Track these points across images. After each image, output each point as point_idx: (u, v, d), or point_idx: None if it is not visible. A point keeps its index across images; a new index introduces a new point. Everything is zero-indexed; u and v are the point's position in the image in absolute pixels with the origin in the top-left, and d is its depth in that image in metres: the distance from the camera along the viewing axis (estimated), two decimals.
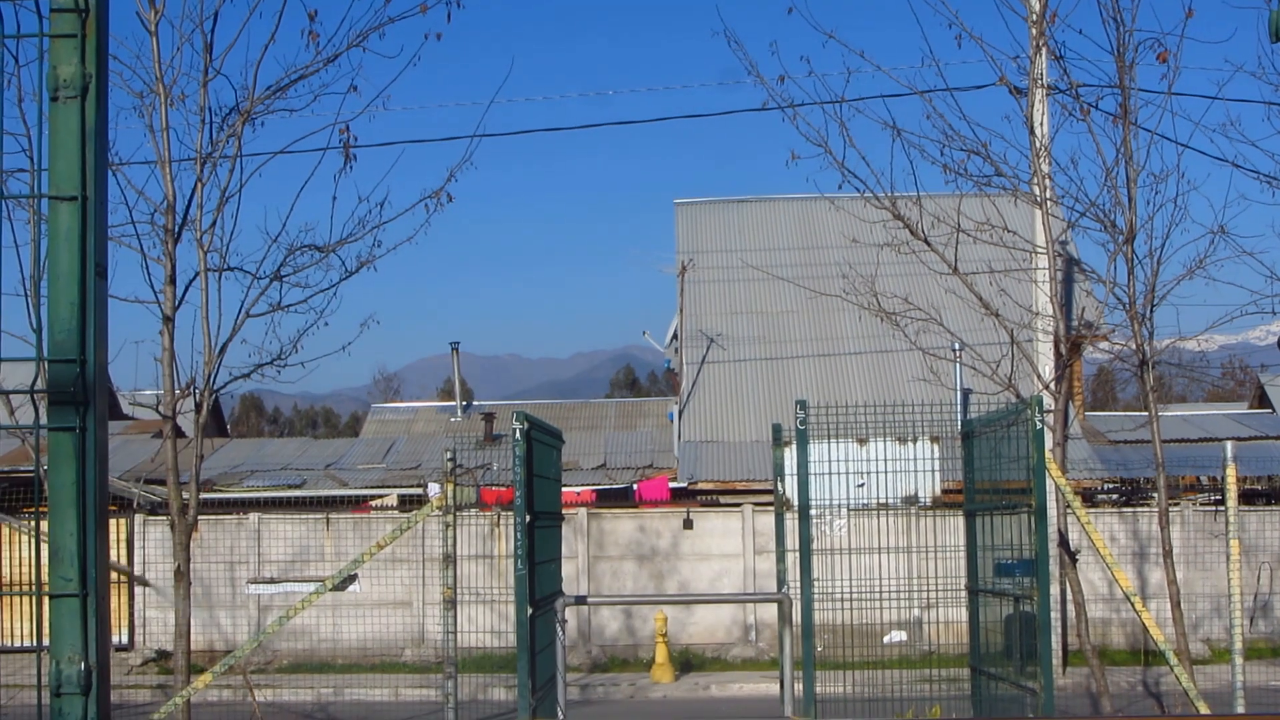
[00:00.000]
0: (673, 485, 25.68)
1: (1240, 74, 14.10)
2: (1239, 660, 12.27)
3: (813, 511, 12.53)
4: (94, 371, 2.96)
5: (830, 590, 13.26)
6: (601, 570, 23.44)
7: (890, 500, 13.10)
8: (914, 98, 14.54)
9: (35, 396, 3.02)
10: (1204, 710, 11.24)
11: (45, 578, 3.05)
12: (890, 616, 20.07)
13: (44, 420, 2.99)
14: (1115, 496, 24.40)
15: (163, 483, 18.05)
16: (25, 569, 21.46)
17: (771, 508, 16.01)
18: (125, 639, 22.97)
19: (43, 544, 3.06)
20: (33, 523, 21.01)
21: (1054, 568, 15.16)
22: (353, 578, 13.02)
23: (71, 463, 2.94)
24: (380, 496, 25.75)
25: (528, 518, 10.33)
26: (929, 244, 14.43)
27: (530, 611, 10.18)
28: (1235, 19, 14.67)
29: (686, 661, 22.21)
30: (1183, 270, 14.15)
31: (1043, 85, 15.20)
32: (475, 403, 36.45)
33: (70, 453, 2.94)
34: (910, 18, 14.49)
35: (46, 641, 3.04)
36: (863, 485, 12.96)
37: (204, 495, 21.02)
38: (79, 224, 2.98)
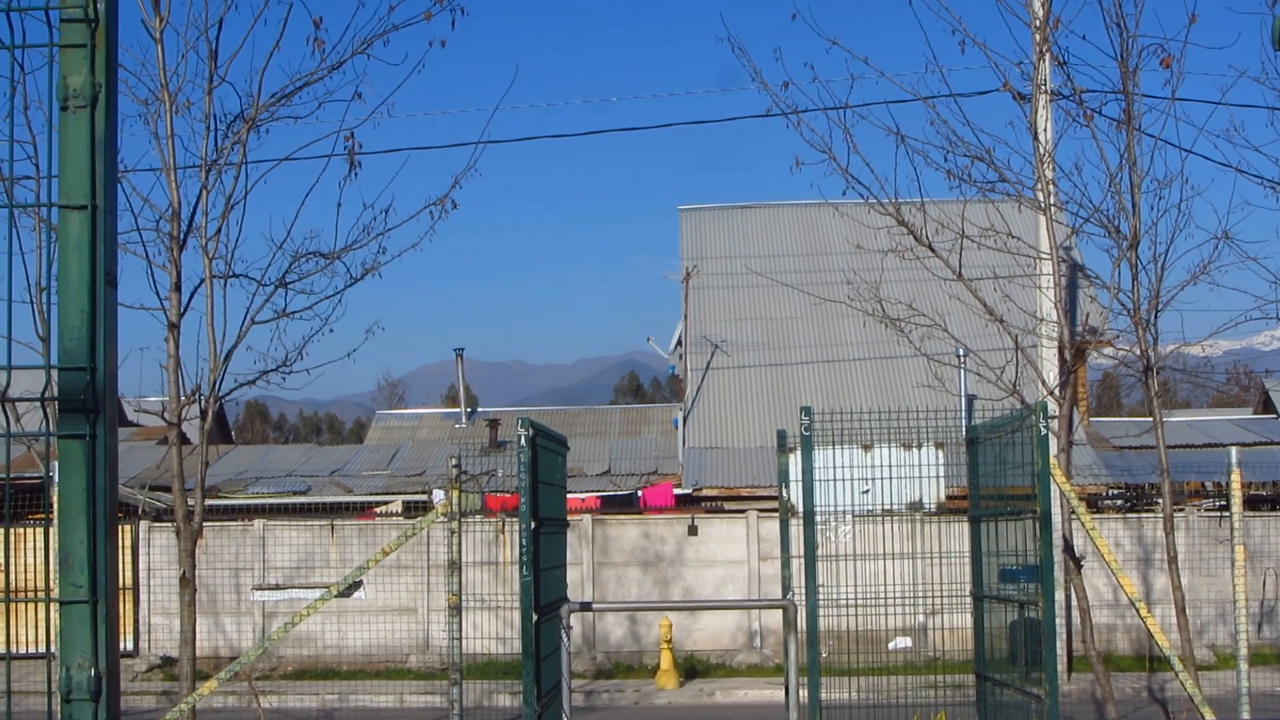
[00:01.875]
0: (677, 491, 25.68)
1: (1243, 79, 14.17)
2: (1244, 666, 12.25)
3: (817, 517, 12.52)
4: (104, 379, 2.97)
5: (835, 596, 13.24)
6: (606, 576, 23.43)
7: (895, 506, 13.09)
8: (918, 104, 14.53)
9: (45, 404, 3.03)
10: (1209, 716, 11.23)
11: (54, 584, 3.07)
12: (895, 623, 20.01)
13: (53, 428, 3.00)
14: (1120, 502, 24.40)
15: (168, 489, 18.06)
16: (32, 576, 21.47)
17: (776, 514, 16.00)
18: (130, 645, 22.99)
19: (52, 550, 3.08)
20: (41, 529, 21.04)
21: (1059, 574, 15.16)
22: (358, 584, 13.04)
23: (81, 470, 2.96)
24: (385, 503, 25.76)
25: (532, 524, 10.33)
26: (933, 250, 14.43)
27: (535, 618, 10.18)
28: (1238, 25, 14.66)
29: (691, 668, 22.20)
30: (1187, 276, 14.10)
31: (1046, 91, 15.20)
32: (480, 409, 36.45)
33: (80, 460, 2.95)
34: (914, 24, 14.54)
35: (55, 648, 3.06)
36: (867, 491, 12.96)
37: (209, 502, 21.00)
38: (89, 232, 3.00)
